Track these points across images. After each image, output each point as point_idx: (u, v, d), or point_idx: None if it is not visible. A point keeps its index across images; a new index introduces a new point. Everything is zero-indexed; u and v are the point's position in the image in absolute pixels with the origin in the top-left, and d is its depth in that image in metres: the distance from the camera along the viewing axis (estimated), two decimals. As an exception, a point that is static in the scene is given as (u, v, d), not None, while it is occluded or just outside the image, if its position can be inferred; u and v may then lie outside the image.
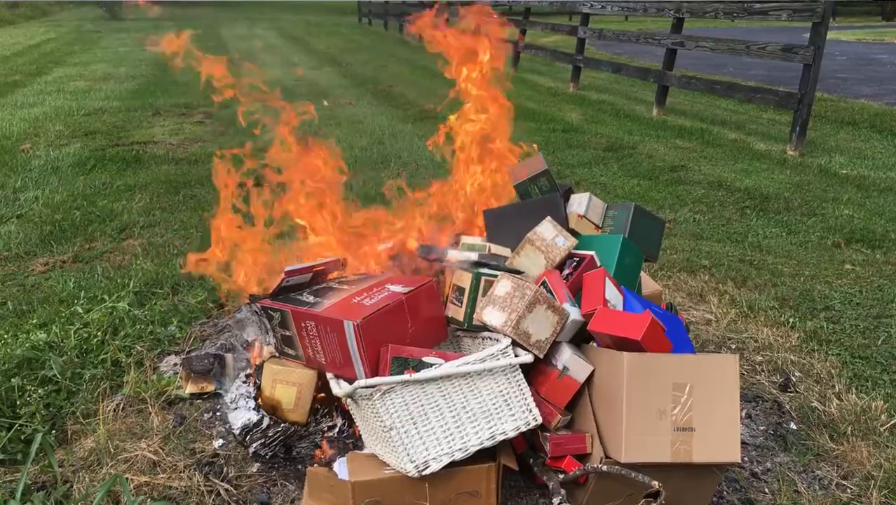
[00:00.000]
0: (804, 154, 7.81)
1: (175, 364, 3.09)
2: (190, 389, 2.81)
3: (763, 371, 3.31)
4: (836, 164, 7.43)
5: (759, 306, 3.98)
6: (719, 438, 2.12)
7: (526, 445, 2.34)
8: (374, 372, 2.20)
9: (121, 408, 2.75)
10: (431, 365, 2.16)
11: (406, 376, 2.10)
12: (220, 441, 2.55)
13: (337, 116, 9.73)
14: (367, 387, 2.09)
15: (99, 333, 3.26)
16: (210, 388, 2.81)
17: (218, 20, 29.05)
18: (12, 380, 2.79)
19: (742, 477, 2.56)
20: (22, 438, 2.59)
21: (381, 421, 2.10)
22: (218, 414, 2.74)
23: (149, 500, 2.19)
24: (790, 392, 3.15)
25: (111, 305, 3.47)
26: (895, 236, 5.23)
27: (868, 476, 2.58)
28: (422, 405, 2.12)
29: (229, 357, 2.96)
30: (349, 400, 2.26)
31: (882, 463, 2.64)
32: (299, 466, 2.45)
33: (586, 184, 6.58)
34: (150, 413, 2.69)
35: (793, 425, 2.92)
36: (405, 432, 2.10)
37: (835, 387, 3.18)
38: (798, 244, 5.11)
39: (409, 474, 2.09)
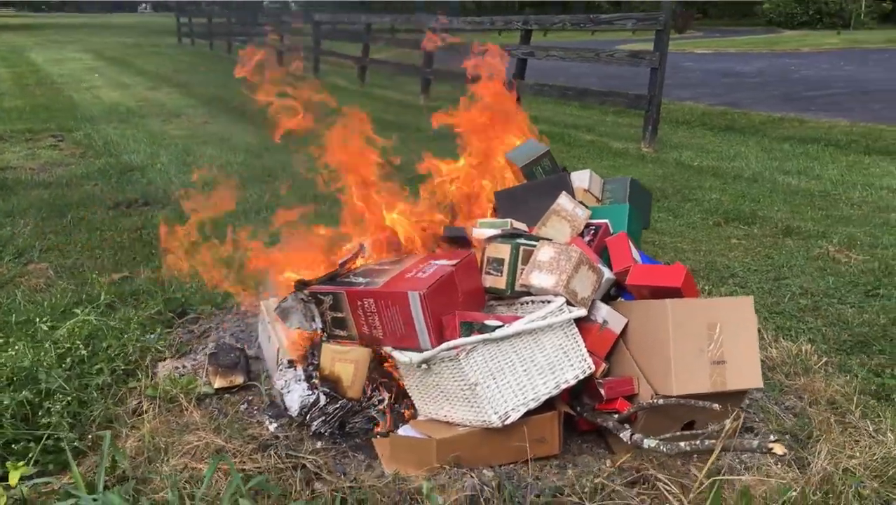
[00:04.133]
0: (658, 150, 8.58)
1: (176, 368, 3.07)
2: (219, 383, 2.81)
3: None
4: (687, 158, 8.24)
5: (677, 278, 4.44)
6: (745, 368, 2.46)
7: (569, 396, 2.58)
8: (439, 339, 2.36)
9: (152, 409, 2.72)
10: (493, 327, 2.35)
11: (485, 335, 2.28)
12: (275, 424, 2.59)
13: (199, 135, 9.57)
14: (451, 348, 2.26)
15: (80, 344, 3.16)
16: (239, 380, 2.83)
17: (24, 45, 27.20)
18: (22, 392, 2.69)
19: (734, 410, 2.92)
20: (49, 449, 2.53)
21: (466, 379, 2.27)
22: (253, 404, 2.77)
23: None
24: (732, 345, 3.58)
25: (83, 318, 3.37)
26: (762, 214, 5.94)
27: (832, 400, 3.02)
28: (498, 361, 2.32)
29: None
30: (415, 368, 2.40)
31: (838, 389, 3.09)
32: (356, 440, 2.55)
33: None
34: (187, 409, 2.68)
35: (746, 370, 3.33)
36: (487, 387, 2.28)
37: (765, 338, 3.64)
38: (686, 225, 5.69)
39: (494, 425, 2.28)
